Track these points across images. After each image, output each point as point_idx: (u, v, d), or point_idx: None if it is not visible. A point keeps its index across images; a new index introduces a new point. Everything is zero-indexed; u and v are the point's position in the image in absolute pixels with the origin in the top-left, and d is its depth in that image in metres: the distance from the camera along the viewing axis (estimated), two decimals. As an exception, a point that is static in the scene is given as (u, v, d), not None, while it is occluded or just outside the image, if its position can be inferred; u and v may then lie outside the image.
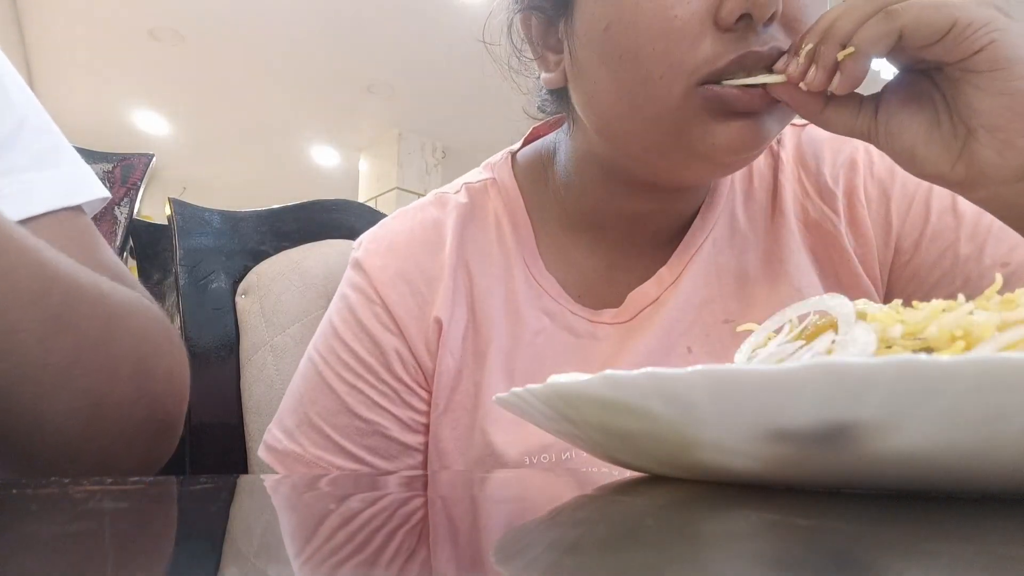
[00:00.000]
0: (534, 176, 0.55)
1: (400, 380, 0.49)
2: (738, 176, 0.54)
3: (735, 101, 0.40)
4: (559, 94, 0.51)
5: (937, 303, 0.24)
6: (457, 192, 0.55)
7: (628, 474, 0.30)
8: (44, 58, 3.72)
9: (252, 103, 4.26)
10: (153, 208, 1.15)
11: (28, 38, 3.54)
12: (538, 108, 0.55)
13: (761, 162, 0.54)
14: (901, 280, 0.51)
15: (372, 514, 0.21)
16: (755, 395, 0.19)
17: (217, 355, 0.72)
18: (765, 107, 0.41)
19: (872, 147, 0.48)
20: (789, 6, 0.40)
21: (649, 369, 0.21)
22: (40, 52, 3.66)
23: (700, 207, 0.53)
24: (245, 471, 0.71)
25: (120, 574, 0.13)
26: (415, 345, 0.49)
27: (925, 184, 0.50)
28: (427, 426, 0.50)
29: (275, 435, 0.52)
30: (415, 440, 0.50)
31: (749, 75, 0.40)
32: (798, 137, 0.54)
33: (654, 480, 0.27)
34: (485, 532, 0.18)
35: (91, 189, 0.48)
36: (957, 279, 0.48)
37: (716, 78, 0.40)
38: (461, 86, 3.91)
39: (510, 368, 0.49)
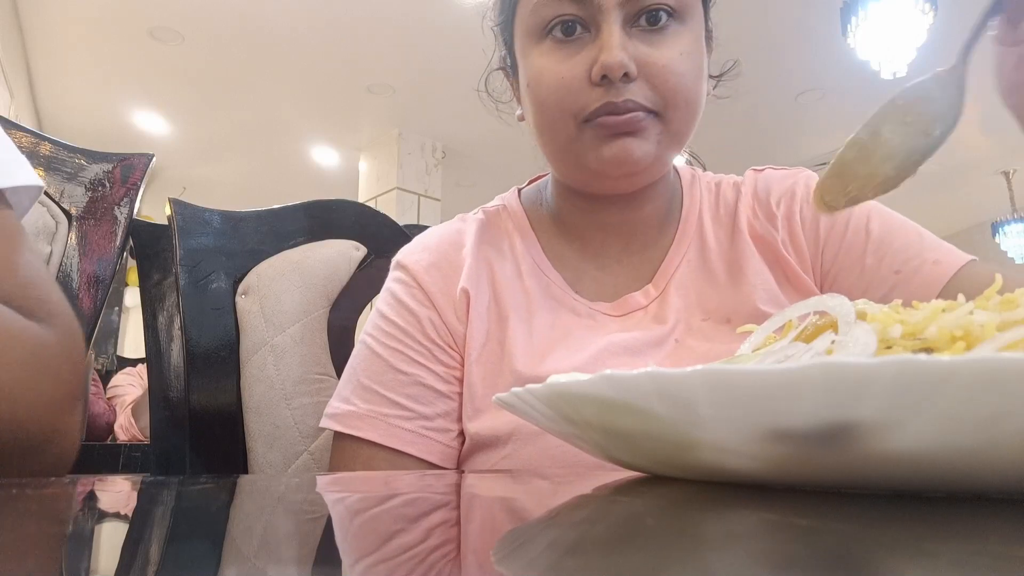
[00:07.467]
0: (534, 201, 0.71)
1: (433, 341, 0.61)
2: (707, 206, 0.68)
3: (613, 126, 0.56)
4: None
5: (937, 303, 0.24)
6: (475, 213, 0.70)
7: (628, 474, 0.30)
8: (44, 58, 3.71)
9: (252, 103, 4.25)
10: (153, 208, 1.15)
11: (28, 38, 3.53)
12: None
13: (728, 195, 0.68)
14: (826, 281, 0.64)
15: (371, 514, 0.21)
16: (755, 395, 0.19)
17: (217, 355, 0.72)
18: (638, 130, 0.56)
19: (811, 181, 0.66)
20: (647, 71, 0.56)
21: (649, 369, 0.21)
22: (40, 52, 3.66)
23: (673, 232, 0.67)
24: (245, 471, 0.71)
25: (120, 574, 0.13)
26: (445, 315, 0.62)
27: (847, 210, 0.65)
28: (459, 379, 0.62)
29: (334, 405, 0.61)
30: (447, 389, 0.61)
31: (618, 118, 0.55)
32: (755, 178, 0.69)
33: (654, 480, 0.27)
34: (485, 532, 0.18)
35: (11, 175, 0.41)
36: (863, 283, 0.62)
37: (592, 119, 0.56)
38: (461, 86, 3.90)
39: (529, 329, 0.61)
